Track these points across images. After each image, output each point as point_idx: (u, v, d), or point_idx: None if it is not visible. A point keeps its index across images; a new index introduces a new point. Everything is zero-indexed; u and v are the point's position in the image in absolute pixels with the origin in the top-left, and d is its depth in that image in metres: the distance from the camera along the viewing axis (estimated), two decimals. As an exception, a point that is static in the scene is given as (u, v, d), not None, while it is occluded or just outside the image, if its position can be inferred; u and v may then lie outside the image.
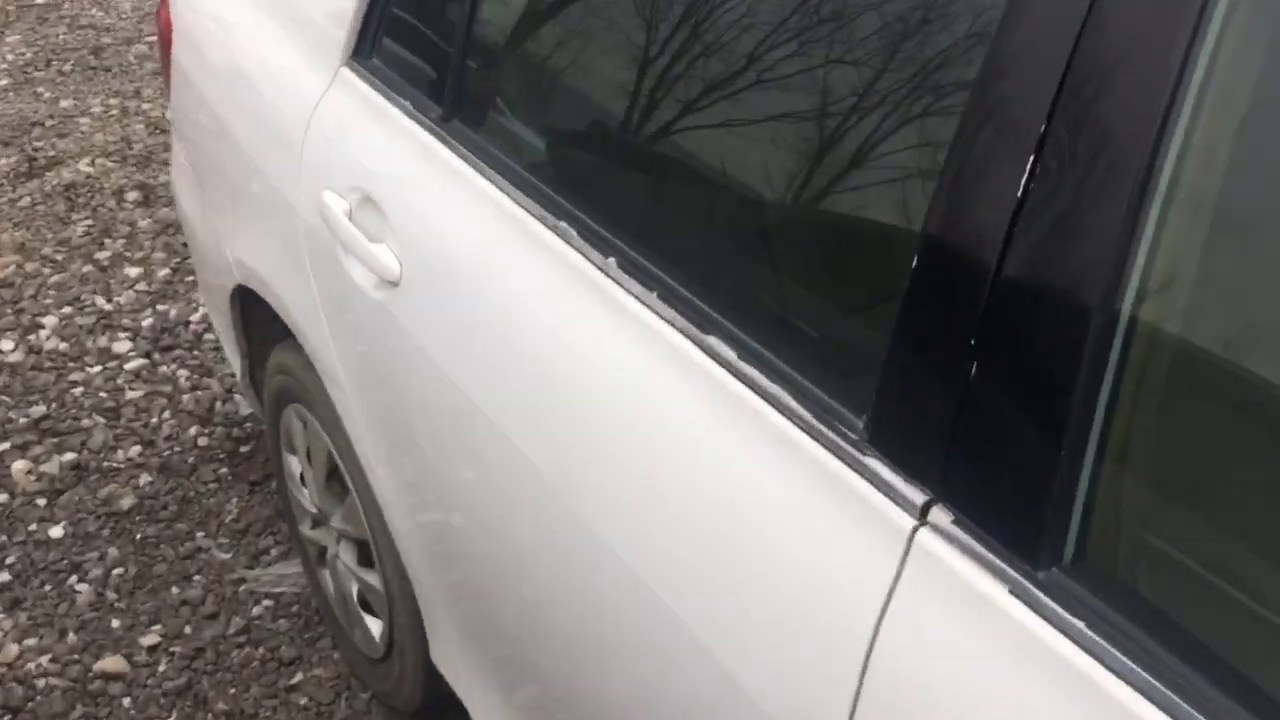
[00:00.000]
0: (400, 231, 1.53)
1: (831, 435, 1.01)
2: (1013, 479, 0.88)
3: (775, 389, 1.06)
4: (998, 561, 0.89)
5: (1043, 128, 0.87)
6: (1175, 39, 0.81)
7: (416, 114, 1.57)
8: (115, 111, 4.42)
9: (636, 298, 1.20)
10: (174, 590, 2.50)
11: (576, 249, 1.28)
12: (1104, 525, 0.86)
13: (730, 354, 1.11)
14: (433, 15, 1.61)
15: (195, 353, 3.19)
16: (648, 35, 1.30)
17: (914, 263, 0.95)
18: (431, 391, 1.52)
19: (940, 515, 0.93)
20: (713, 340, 1.13)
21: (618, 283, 1.23)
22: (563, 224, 1.31)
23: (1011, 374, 0.88)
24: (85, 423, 2.93)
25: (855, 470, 0.99)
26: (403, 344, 1.56)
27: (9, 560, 2.56)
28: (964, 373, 0.91)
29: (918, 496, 0.94)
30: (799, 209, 1.13)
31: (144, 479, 2.77)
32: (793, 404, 1.05)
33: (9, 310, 3.32)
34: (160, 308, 3.35)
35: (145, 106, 4.47)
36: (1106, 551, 0.87)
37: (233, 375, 2.84)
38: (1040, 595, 0.86)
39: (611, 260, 1.24)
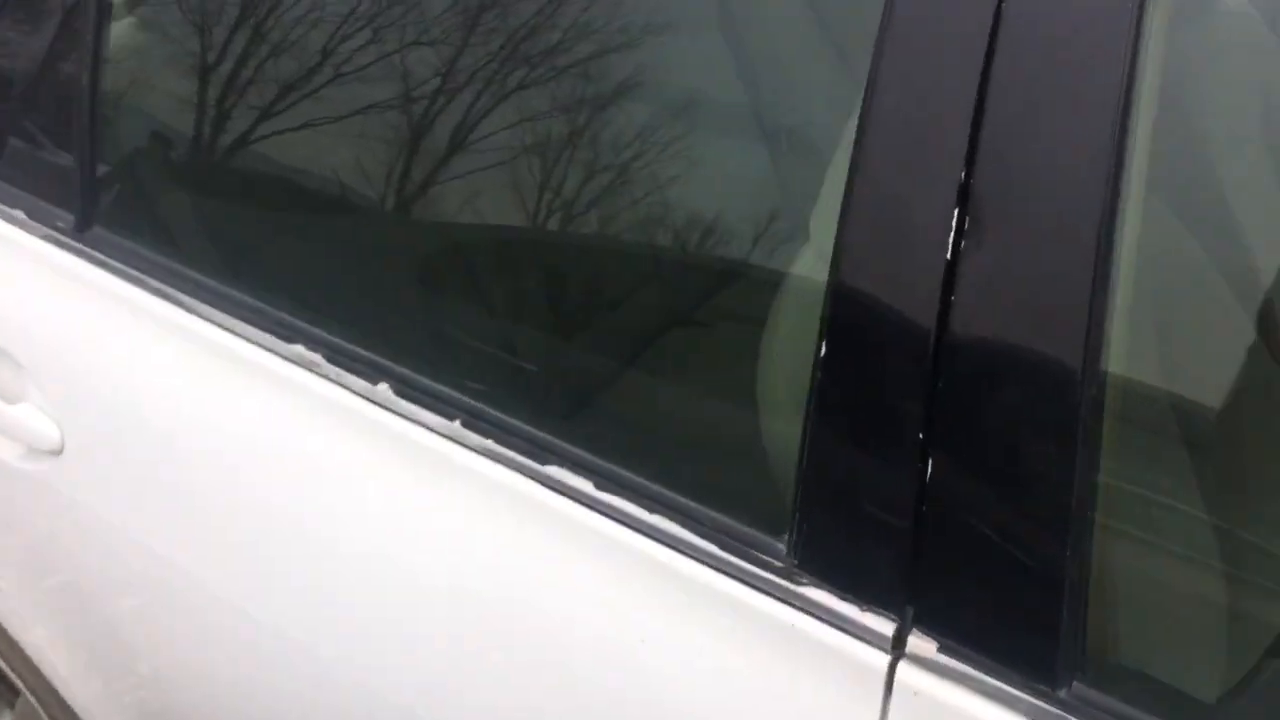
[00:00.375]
0: (49, 385, 1.17)
1: (748, 566, 0.83)
2: (1009, 586, 0.74)
3: (655, 520, 0.86)
4: (1006, 688, 0.75)
5: (963, 172, 0.72)
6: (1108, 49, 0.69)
7: (38, 225, 1.20)
8: None
9: (433, 430, 0.95)
10: None
11: (329, 378, 1.01)
12: (1126, 623, 0.74)
13: (584, 485, 0.89)
14: (37, 85, 1.23)
15: None
16: (355, 81, 1.04)
17: (823, 341, 0.78)
18: (128, 570, 1.19)
19: (920, 644, 0.77)
20: (554, 471, 0.91)
21: (401, 415, 0.97)
22: (298, 348, 1.02)
23: (986, 460, 0.74)
24: None
25: (791, 605, 0.81)
26: (78, 520, 1.21)
27: None
28: (917, 467, 0.75)
29: (884, 625, 0.78)
30: (642, 278, 0.94)
31: None
32: (686, 535, 0.85)
33: None
34: None
35: None
36: (1133, 652, 0.75)
37: None
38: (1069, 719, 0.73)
39: (383, 387, 0.98)
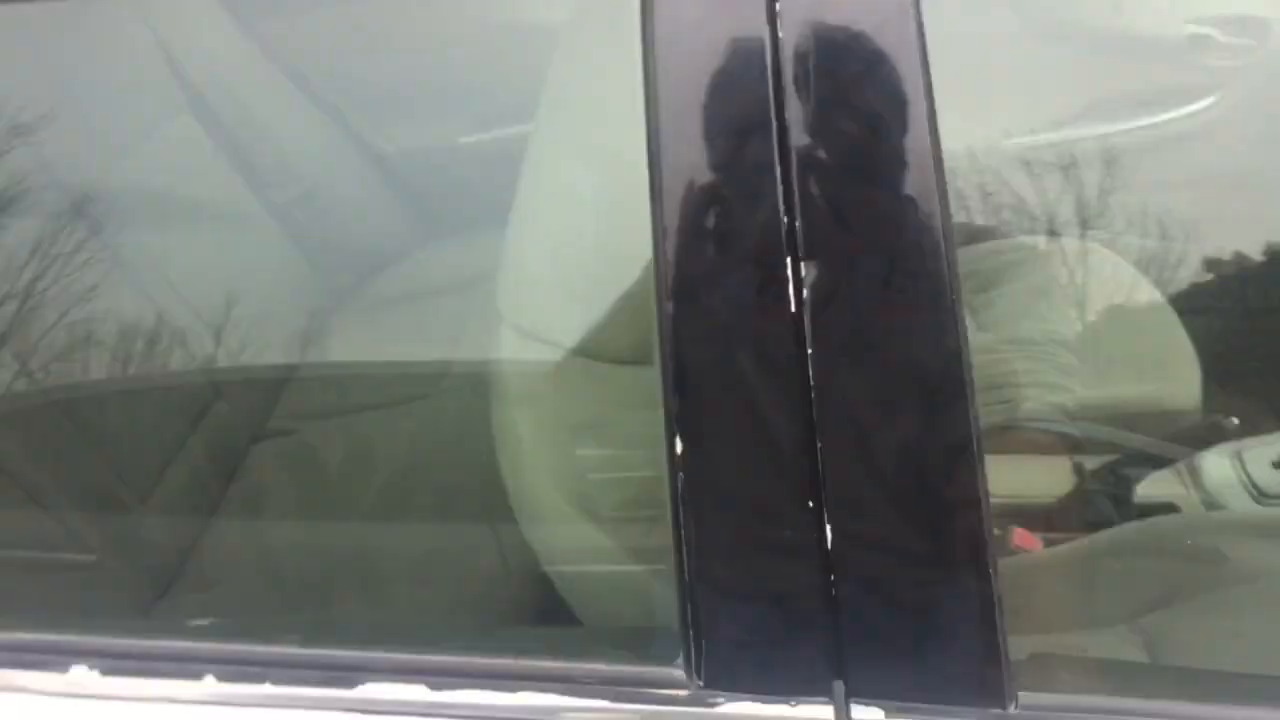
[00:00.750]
0: None
1: (652, 708, 0.73)
2: (941, 627, 0.71)
3: (521, 699, 0.73)
4: (965, 727, 0.72)
5: (785, 218, 0.67)
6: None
7: None
8: None
9: (179, 700, 0.73)
10: None
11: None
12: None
13: (416, 693, 0.73)
14: None
15: None
16: None
17: (675, 436, 0.70)
18: None
19: (865, 716, 0.72)
20: (372, 689, 0.73)
21: (123, 698, 0.73)
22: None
23: (890, 509, 0.70)
24: None
25: (715, 730, 0.72)
26: None
27: None
28: (816, 537, 0.70)
29: (821, 712, 0.72)
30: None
31: None
32: (566, 701, 0.73)
33: None
34: None
35: None
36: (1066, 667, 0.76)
37: None
38: (1031, 730, 0.72)
39: (80, 670, 0.73)
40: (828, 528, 0.70)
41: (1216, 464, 1.52)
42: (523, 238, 0.96)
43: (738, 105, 0.67)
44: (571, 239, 0.96)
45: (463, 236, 1.65)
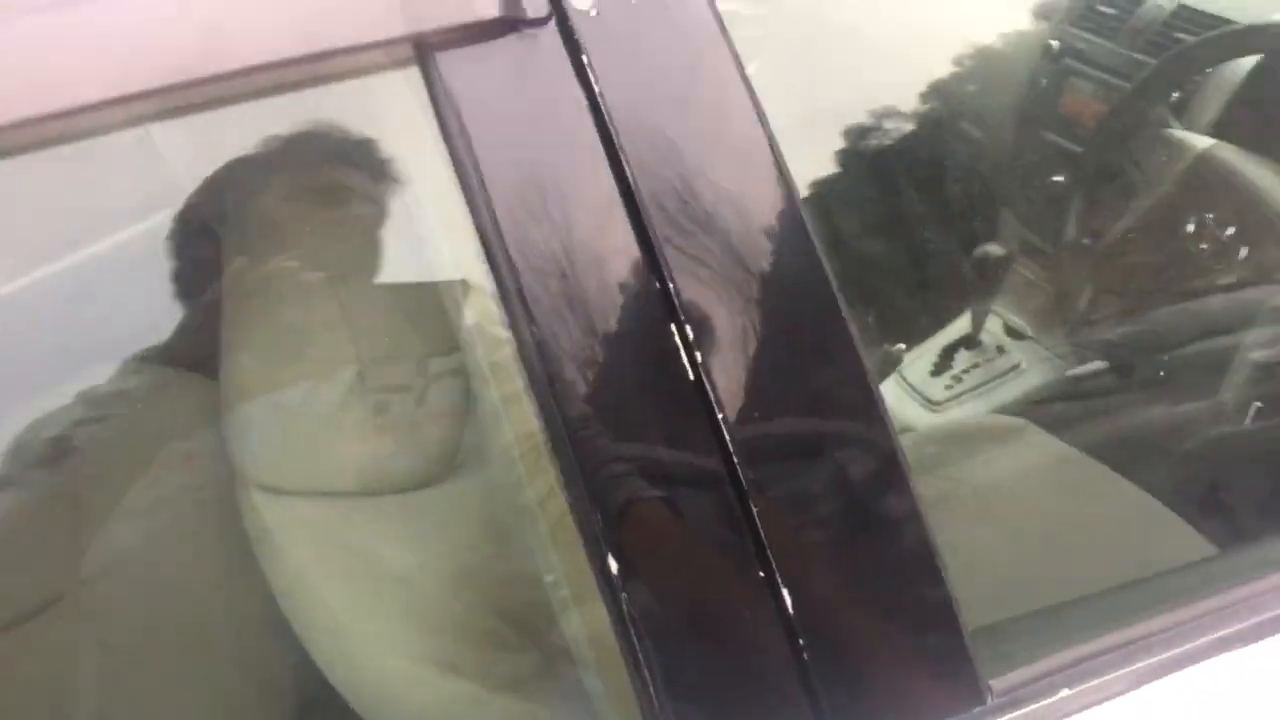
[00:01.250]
0: None
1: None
2: (911, 649, 0.68)
3: None
4: (955, 733, 0.70)
5: (657, 282, 0.61)
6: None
7: None
8: None
9: None
10: None
11: None
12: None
13: None
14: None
15: None
16: None
17: (608, 557, 0.61)
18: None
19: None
20: None
21: None
22: None
23: (834, 556, 0.66)
24: None
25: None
26: None
27: None
28: (774, 608, 0.64)
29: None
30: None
31: None
32: None
33: None
34: None
35: None
36: (1000, 639, 0.75)
37: None
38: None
39: None
40: (784, 591, 0.64)
41: (889, 392, 1.62)
42: (246, 387, 0.81)
43: (577, 183, 0.59)
44: (304, 374, 0.82)
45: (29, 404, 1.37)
